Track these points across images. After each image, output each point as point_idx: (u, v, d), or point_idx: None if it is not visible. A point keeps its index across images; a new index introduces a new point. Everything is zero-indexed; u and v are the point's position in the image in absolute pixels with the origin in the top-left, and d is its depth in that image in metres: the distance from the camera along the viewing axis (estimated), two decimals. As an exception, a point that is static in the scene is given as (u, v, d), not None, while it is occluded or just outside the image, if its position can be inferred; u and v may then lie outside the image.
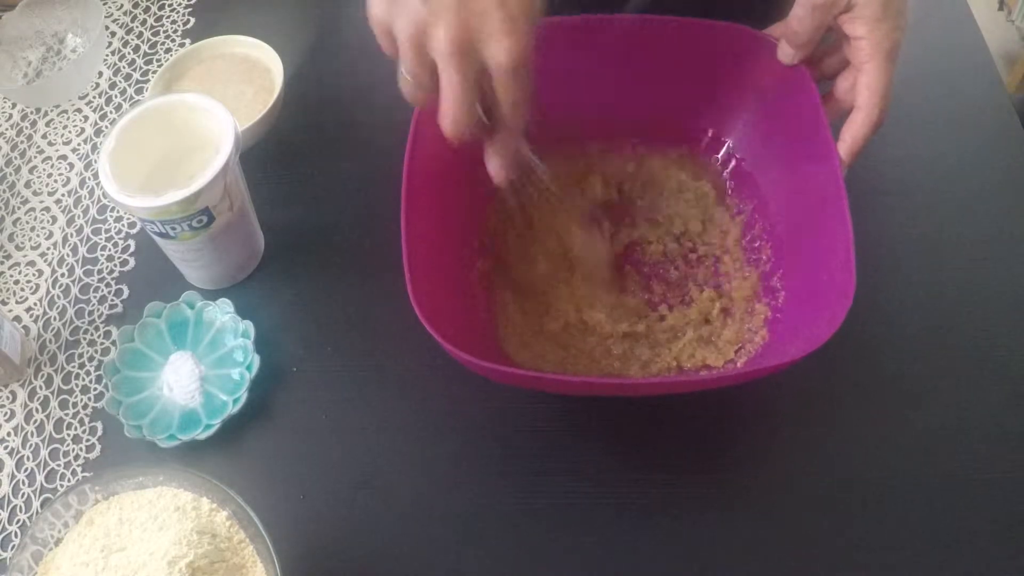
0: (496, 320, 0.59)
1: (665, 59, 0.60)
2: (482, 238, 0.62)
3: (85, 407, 0.59)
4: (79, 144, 0.73)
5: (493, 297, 0.60)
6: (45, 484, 0.57)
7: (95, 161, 0.72)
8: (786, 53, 0.55)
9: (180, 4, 0.82)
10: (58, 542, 0.47)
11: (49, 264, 0.66)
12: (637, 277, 0.61)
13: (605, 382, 0.55)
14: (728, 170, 0.63)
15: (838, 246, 0.50)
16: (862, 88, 0.51)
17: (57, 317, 0.64)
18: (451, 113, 0.44)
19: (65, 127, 0.75)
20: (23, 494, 0.56)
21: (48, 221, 0.69)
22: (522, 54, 0.42)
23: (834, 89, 0.55)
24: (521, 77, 0.43)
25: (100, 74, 0.78)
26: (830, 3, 0.51)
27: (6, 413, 0.59)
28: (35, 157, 0.73)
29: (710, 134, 0.63)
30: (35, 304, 0.64)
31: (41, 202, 0.70)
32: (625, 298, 0.60)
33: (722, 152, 0.63)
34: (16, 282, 0.66)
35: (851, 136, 0.52)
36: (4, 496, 0.56)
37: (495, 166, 0.49)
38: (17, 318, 0.64)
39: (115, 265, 0.66)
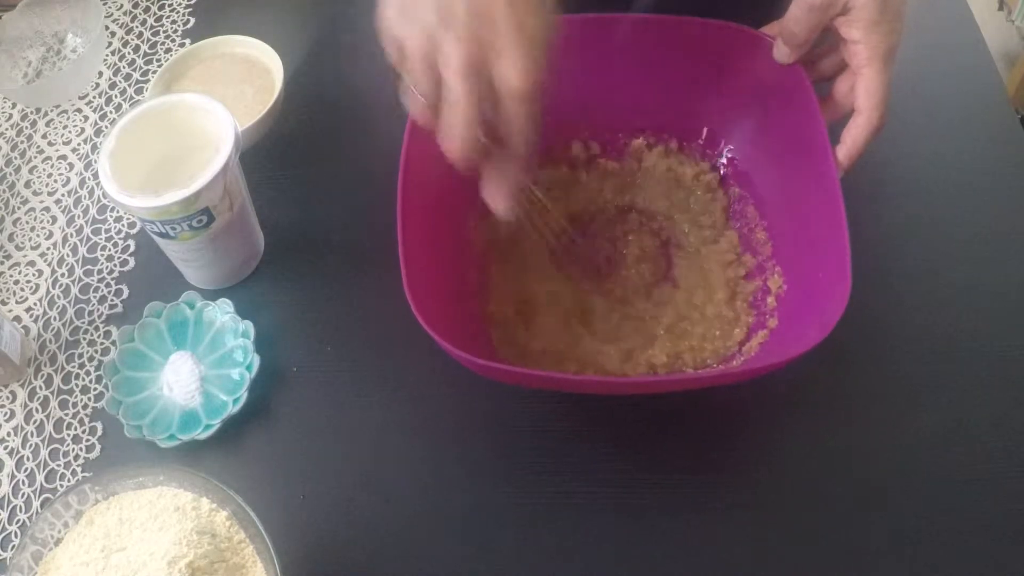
0: (494, 319, 0.59)
1: (661, 57, 0.60)
2: (479, 237, 0.62)
3: (85, 407, 0.59)
4: (79, 144, 0.73)
5: (491, 296, 0.60)
6: (45, 484, 0.57)
7: (95, 161, 0.72)
8: (782, 52, 0.55)
9: (180, 4, 0.82)
10: (58, 542, 0.47)
11: (49, 264, 0.66)
12: (633, 277, 0.61)
13: (602, 380, 0.55)
14: (724, 169, 0.63)
15: (835, 245, 0.50)
16: (861, 92, 0.51)
17: (57, 317, 0.64)
18: (455, 132, 0.42)
19: (65, 127, 0.75)
20: (23, 494, 0.56)
21: (48, 221, 0.69)
22: (536, 78, 0.41)
23: (833, 91, 0.55)
24: (532, 101, 0.42)
25: (100, 74, 0.78)
26: (827, 5, 0.50)
27: (6, 413, 0.59)
28: (35, 157, 0.73)
29: (705, 133, 0.63)
30: (35, 304, 0.64)
31: (41, 202, 0.70)
32: (620, 298, 0.60)
33: (718, 151, 0.63)
34: (16, 282, 0.66)
35: (851, 139, 0.52)
36: (4, 496, 0.56)
37: (494, 194, 0.47)
38: (17, 318, 0.64)
39: (115, 265, 0.66)
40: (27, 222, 0.69)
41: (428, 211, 0.55)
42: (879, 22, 0.50)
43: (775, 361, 0.48)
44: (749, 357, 0.55)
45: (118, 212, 0.69)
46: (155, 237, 0.59)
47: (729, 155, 0.63)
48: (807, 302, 0.53)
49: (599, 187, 0.64)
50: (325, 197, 0.68)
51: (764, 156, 0.61)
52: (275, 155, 0.70)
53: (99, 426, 0.58)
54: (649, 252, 0.62)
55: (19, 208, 0.70)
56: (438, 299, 0.53)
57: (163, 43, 0.79)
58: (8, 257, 0.67)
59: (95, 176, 0.71)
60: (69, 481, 0.57)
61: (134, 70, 0.78)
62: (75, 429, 0.58)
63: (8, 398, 0.60)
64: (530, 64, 0.41)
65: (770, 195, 0.60)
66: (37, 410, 0.59)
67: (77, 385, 0.60)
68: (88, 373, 0.61)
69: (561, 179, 0.64)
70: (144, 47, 0.79)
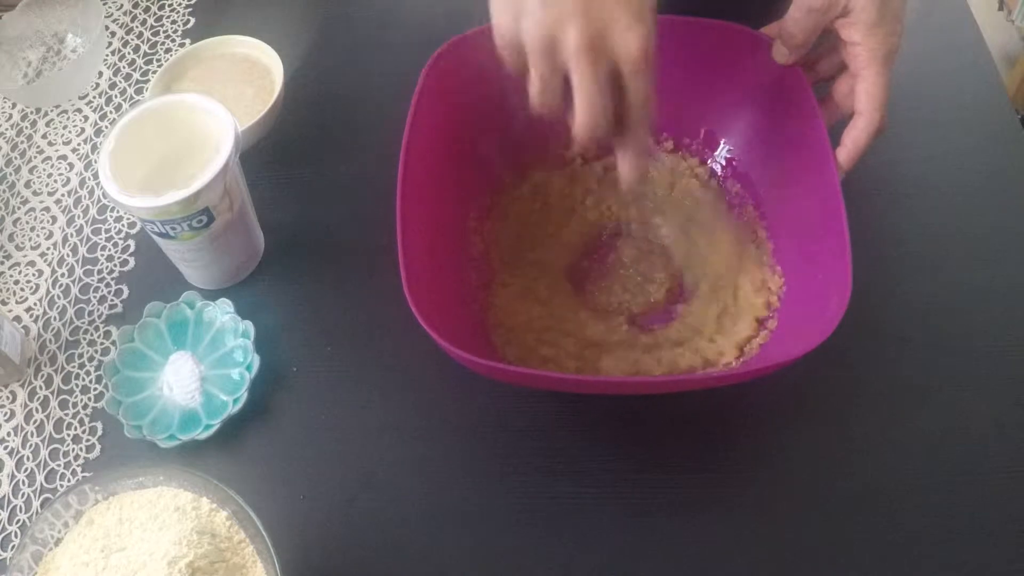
0: (494, 319, 0.59)
1: (659, 57, 0.60)
2: (479, 237, 0.62)
3: (85, 407, 0.59)
4: (79, 144, 0.73)
5: (491, 296, 0.60)
6: (45, 484, 0.57)
7: (95, 161, 0.72)
8: (781, 53, 0.55)
9: (180, 4, 0.82)
10: (58, 542, 0.47)
11: (49, 264, 0.66)
12: (632, 277, 0.61)
13: (602, 381, 0.55)
14: (723, 169, 0.63)
15: (835, 246, 0.50)
16: (861, 94, 0.51)
17: (57, 317, 0.64)
18: (587, 114, 0.44)
19: (65, 127, 0.75)
20: (23, 494, 0.56)
21: (48, 221, 0.69)
22: (651, 45, 0.43)
23: (832, 93, 0.55)
24: (651, 70, 0.44)
25: (100, 74, 0.78)
26: (826, 7, 0.50)
27: (6, 413, 0.59)
28: (35, 157, 0.73)
29: (703, 133, 0.63)
30: (35, 304, 0.64)
31: (41, 202, 0.70)
32: (619, 298, 0.60)
33: (717, 151, 0.63)
34: (16, 282, 0.66)
35: (851, 141, 0.52)
36: (4, 496, 0.56)
37: (629, 166, 0.49)
38: (17, 318, 0.64)
39: (115, 265, 0.66)
40: (27, 222, 0.69)
41: (428, 211, 0.55)
42: (879, 24, 0.50)
43: (775, 362, 0.48)
44: (749, 358, 0.55)
45: (118, 212, 0.69)
46: (155, 237, 0.59)
47: (728, 155, 0.63)
48: (807, 303, 0.53)
49: (596, 187, 0.64)
50: (325, 197, 0.68)
51: (763, 157, 0.61)
52: (275, 155, 0.70)
53: (99, 426, 0.58)
54: (648, 252, 0.62)
55: (19, 208, 0.70)
56: (438, 299, 0.53)
57: (163, 43, 0.79)
58: (8, 257, 0.67)
59: (95, 176, 0.71)
60: (69, 481, 0.57)
61: (134, 70, 0.78)
62: (75, 429, 0.58)
63: (8, 398, 0.60)
64: (644, 32, 0.43)
65: (769, 196, 0.60)
66: (37, 410, 0.59)
67: (77, 385, 0.60)
68: (88, 373, 0.61)
69: (558, 180, 0.64)
70: (144, 47, 0.79)
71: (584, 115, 0.44)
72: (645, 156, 0.49)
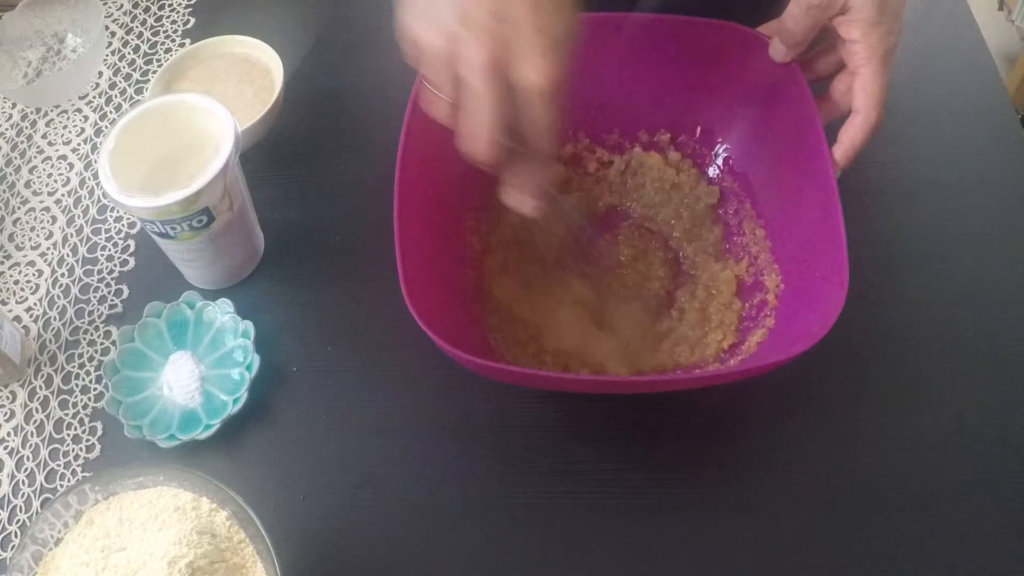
0: (492, 318, 0.59)
1: (656, 56, 0.60)
2: (477, 237, 0.62)
3: (85, 407, 0.59)
4: (79, 144, 0.73)
5: (490, 296, 0.60)
6: (45, 484, 0.57)
7: (95, 161, 0.72)
8: (778, 51, 0.55)
9: (180, 4, 0.82)
10: (58, 542, 0.47)
11: (49, 264, 0.66)
12: (629, 276, 0.61)
13: (601, 380, 0.55)
14: (720, 167, 0.63)
15: (832, 244, 0.50)
16: (859, 91, 0.51)
17: (57, 317, 0.64)
18: (479, 134, 0.42)
19: (65, 127, 0.75)
20: (23, 494, 0.56)
21: (48, 221, 0.69)
22: (557, 78, 0.41)
23: (830, 91, 0.55)
24: (555, 101, 0.41)
25: (100, 74, 0.78)
26: (825, 4, 0.51)
27: (6, 413, 0.59)
28: (35, 157, 0.73)
29: (700, 131, 0.63)
30: (35, 304, 0.64)
31: (41, 202, 0.70)
32: (618, 297, 0.60)
33: (714, 149, 0.64)
34: (16, 282, 0.66)
35: (849, 139, 0.52)
36: (4, 496, 0.56)
37: (518, 194, 0.46)
38: (17, 318, 0.64)
39: (115, 265, 0.66)
40: (27, 222, 0.69)
41: (425, 212, 0.55)
42: (878, 22, 0.50)
43: (773, 360, 0.48)
44: (747, 356, 0.55)
45: (118, 212, 0.69)
46: (155, 237, 0.59)
47: (725, 153, 0.63)
48: (805, 301, 0.53)
49: (594, 186, 0.64)
50: (325, 197, 0.68)
51: (760, 155, 0.61)
52: (275, 155, 0.70)
53: (99, 426, 0.58)
54: (645, 250, 0.62)
55: (19, 208, 0.70)
56: (436, 299, 0.53)
57: (163, 43, 0.79)
58: (8, 257, 0.67)
59: (95, 176, 0.71)
60: (69, 481, 0.57)
61: (134, 70, 0.78)
62: (75, 429, 0.58)
63: (8, 398, 0.60)
64: (551, 64, 0.41)
65: (766, 193, 0.60)
66: (37, 410, 0.59)
67: (77, 385, 0.60)
68: (88, 373, 0.61)
69: (559, 178, 0.64)
70: (144, 47, 0.79)
71: (472, 135, 0.42)
72: (538, 187, 0.46)
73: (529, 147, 0.44)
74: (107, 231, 0.68)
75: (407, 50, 0.44)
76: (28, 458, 0.58)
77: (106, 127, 0.74)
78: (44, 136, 0.74)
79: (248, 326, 0.60)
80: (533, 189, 0.46)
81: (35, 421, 0.59)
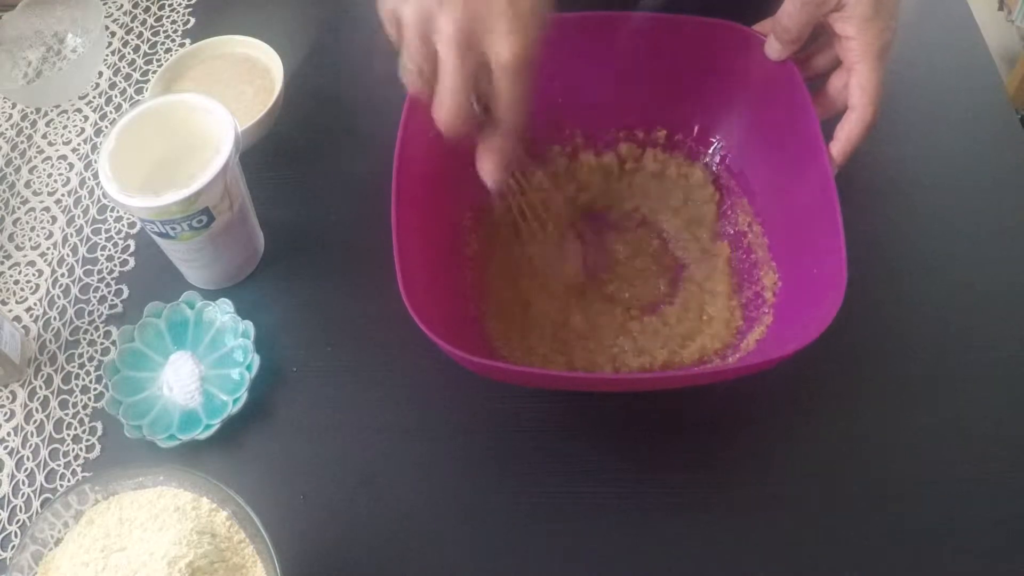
0: (491, 318, 0.59)
1: (653, 55, 0.60)
2: (475, 236, 0.62)
3: (85, 407, 0.59)
4: (79, 144, 0.73)
5: (488, 295, 0.60)
6: (45, 484, 0.57)
7: (95, 161, 0.72)
8: (774, 48, 0.55)
9: (180, 4, 0.82)
10: (58, 542, 0.47)
11: (49, 264, 0.66)
12: (627, 274, 0.61)
13: (600, 378, 0.56)
14: (717, 165, 0.63)
15: (830, 241, 0.50)
16: (855, 88, 0.51)
17: (57, 317, 0.64)
18: (446, 103, 0.44)
19: (65, 127, 0.75)
20: (23, 494, 0.56)
21: (48, 221, 0.69)
22: (526, 53, 0.42)
23: (826, 88, 0.55)
24: (522, 76, 0.43)
25: (100, 74, 0.78)
26: (820, 1, 0.51)
27: (6, 413, 0.59)
28: (35, 157, 0.73)
29: (697, 129, 0.63)
30: (35, 304, 0.64)
31: (41, 202, 0.70)
32: (616, 295, 0.60)
33: (711, 148, 0.64)
34: (16, 282, 0.66)
35: (845, 136, 0.52)
36: (4, 496, 0.56)
37: (487, 166, 0.48)
38: (17, 318, 0.64)
39: (115, 265, 0.66)
40: (27, 222, 0.69)
41: (423, 212, 0.55)
42: (873, 19, 0.50)
43: (772, 357, 0.48)
44: (746, 354, 0.55)
45: (118, 212, 0.69)
46: (155, 237, 0.59)
47: (722, 152, 0.63)
48: (803, 298, 0.53)
49: (590, 184, 0.64)
50: (325, 197, 0.68)
51: (757, 152, 0.61)
52: (275, 155, 0.70)
53: (99, 426, 0.58)
54: (642, 249, 0.62)
55: (19, 208, 0.70)
56: (435, 299, 0.53)
57: (163, 43, 0.79)
58: (8, 257, 0.67)
59: (95, 176, 0.71)
60: (69, 481, 0.57)
61: (134, 70, 0.78)
62: (75, 429, 0.58)
63: (8, 398, 0.60)
64: (521, 40, 0.42)
65: (763, 191, 0.60)
66: (37, 410, 0.59)
67: (77, 385, 0.60)
68: (88, 373, 0.61)
69: (555, 177, 0.64)
70: (144, 47, 0.79)
71: (445, 103, 0.44)
72: (507, 158, 0.48)
73: (497, 120, 0.46)
74: (107, 231, 0.68)
75: (386, 27, 0.46)
76: (28, 458, 0.58)
77: (106, 127, 0.74)
78: (44, 136, 0.74)
79: (248, 326, 0.60)
80: (498, 162, 0.48)
81: (35, 421, 0.59)
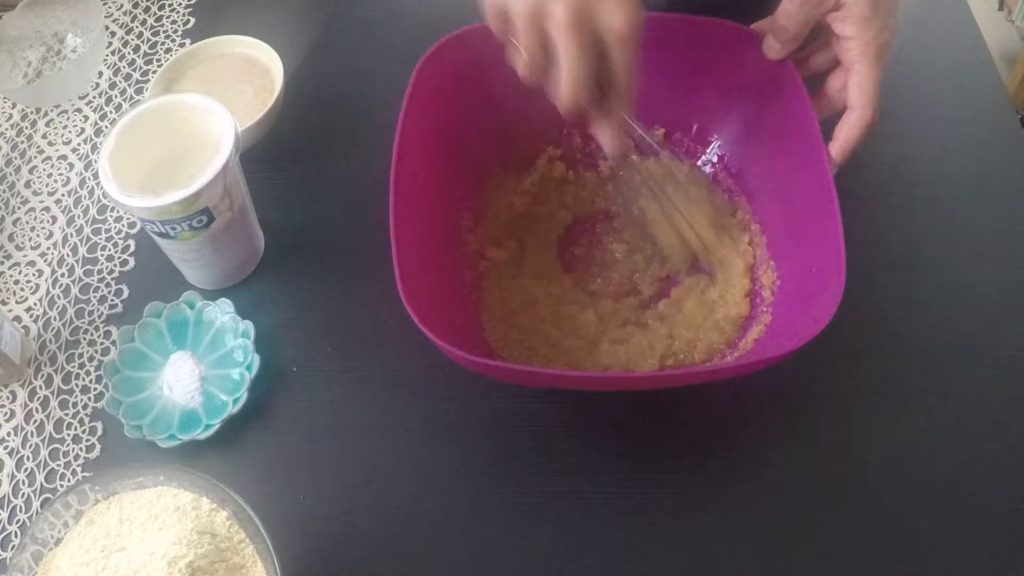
0: (490, 318, 0.59)
1: (651, 54, 0.60)
2: (474, 237, 0.62)
3: (85, 407, 0.59)
4: (79, 144, 0.73)
5: (486, 295, 0.60)
6: (45, 484, 0.57)
7: (95, 161, 0.72)
8: (772, 48, 0.55)
9: (180, 4, 0.82)
10: (58, 542, 0.47)
11: (49, 264, 0.66)
12: (626, 274, 0.61)
13: (599, 377, 0.56)
14: (715, 164, 0.63)
15: (829, 240, 0.50)
16: (853, 88, 0.51)
17: (57, 317, 0.64)
18: (570, 85, 0.46)
19: (65, 127, 0.75)
20: (23, 494, 0.56)
21: (48, 221, 0.69)
22: (637, 21, 0.45)
23: (825, 88, 0.55)
24: (635, 44, 0.46)
25: (100, 74, 0.78)
26: (818, 0, 0.51)
27: (6, 413, 0.59)
28: (35, 157, 0.73)
29: (695, 129, 0.63)
30: (35, 304, 0.64)
31: (41, 202, 0.70)
32: (615, 295, 0.60)
33: (709, 148, 0.64)
34: (16, 282, 0.66)
35: (844, 136, 0.52)
36: (4, 496, 0.56)
37: (608, 134, 0.51)
38: (17, 318, 0.64)
39: (115, 265, 0.66)
40: (27, 222, 0.69)
41: (421, 212, 0.55)
42: (872, 18, 0.50)
43: (770, 356, 0.48)
44: (745, 352, 0.55)
45: (118, 212, 0.69)
46: (155, 237, 0.59)
47: (720, 151, 0.63)
48: (802, 297, 0.53)
49: (588, 183, 0.64)
50: (325, 197, 0.68)
51: (755, 151, 0.61)
52: (275, 155, 0.70)
53: (99, 426, 0.58)
54: (642, 244, 0.62)
55: (19, 208, 0.70)
56: (434, 299, 0.53)
57: (163, 43, 0.79)
58: (8, 257, 0.67)
59: (95, 176, 0.71)
60: (69, 481, 0.57)
61: (134, 70, 0.78)
62: (75, 429, 0.58)
63: (8, 398, 0.60)
64: (631, 7, 0.45)
65: (762, 190, 0.61)
66: (37, 410, 0.59)
67: (77, 385, 0.60)
68: (88, 373, 0.61)
69: (552, 177, 0.64)
70: (144, 47, 0.79)
71: (567, 83, 0.46)
72: (624, 126, 0.51)
73: (610, 91, 0.49)
74: (107, 231, 0.68)
75: (490, 20, 0.48)
76: (28, 458, 0.58)
77: (106, 127, 0.74)
78: (44, 136, 0.74)
79: (248, 326, 0.60)
80: (616, 129, 0.51)
81: (35, 421, 0.59)
